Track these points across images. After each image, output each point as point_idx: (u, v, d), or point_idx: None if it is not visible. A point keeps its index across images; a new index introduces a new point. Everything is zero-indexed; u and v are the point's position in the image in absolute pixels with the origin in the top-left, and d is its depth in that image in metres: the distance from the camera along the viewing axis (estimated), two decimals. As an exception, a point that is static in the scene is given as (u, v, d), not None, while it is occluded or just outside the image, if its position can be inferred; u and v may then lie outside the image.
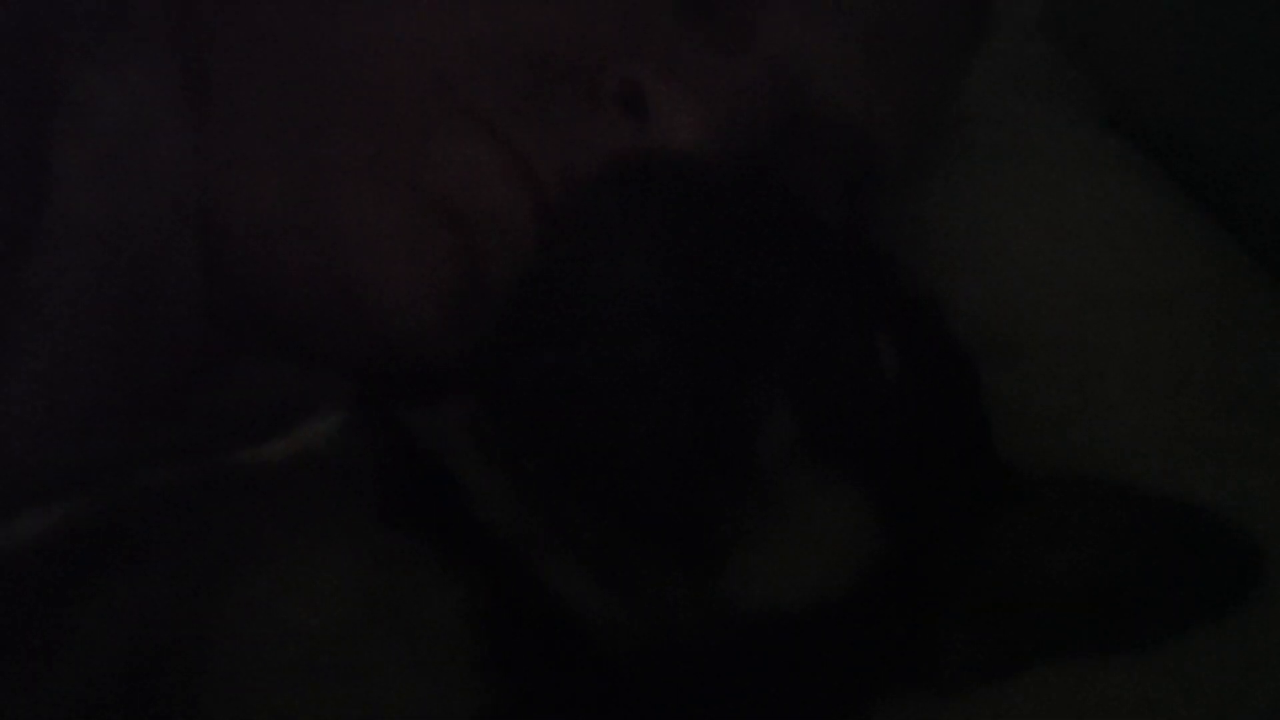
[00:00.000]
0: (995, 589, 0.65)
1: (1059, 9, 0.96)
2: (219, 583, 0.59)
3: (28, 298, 0.63)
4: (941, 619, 0.64)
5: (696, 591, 0.62)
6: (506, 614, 0.61)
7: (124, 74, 0.68)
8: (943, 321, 0.66)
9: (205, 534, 0.60)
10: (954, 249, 0.78)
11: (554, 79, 0.70)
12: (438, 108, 0.69)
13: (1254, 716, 0.66)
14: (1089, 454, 0.72)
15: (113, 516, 0.59)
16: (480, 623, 0.61)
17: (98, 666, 0.56)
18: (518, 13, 0.70)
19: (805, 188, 0.71)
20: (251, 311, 0.72)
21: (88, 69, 0.66)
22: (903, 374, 0.63)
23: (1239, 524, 0.63)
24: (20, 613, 0.56)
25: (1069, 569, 0.65)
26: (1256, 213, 0.81)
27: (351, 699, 0.58)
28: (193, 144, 0.70)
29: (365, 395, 0.65)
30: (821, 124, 0.73)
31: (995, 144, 0.83)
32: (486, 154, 0.69)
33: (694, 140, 0.68)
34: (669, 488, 0.61)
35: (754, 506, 0.62)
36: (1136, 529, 0.64)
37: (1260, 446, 0.74)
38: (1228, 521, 0.64)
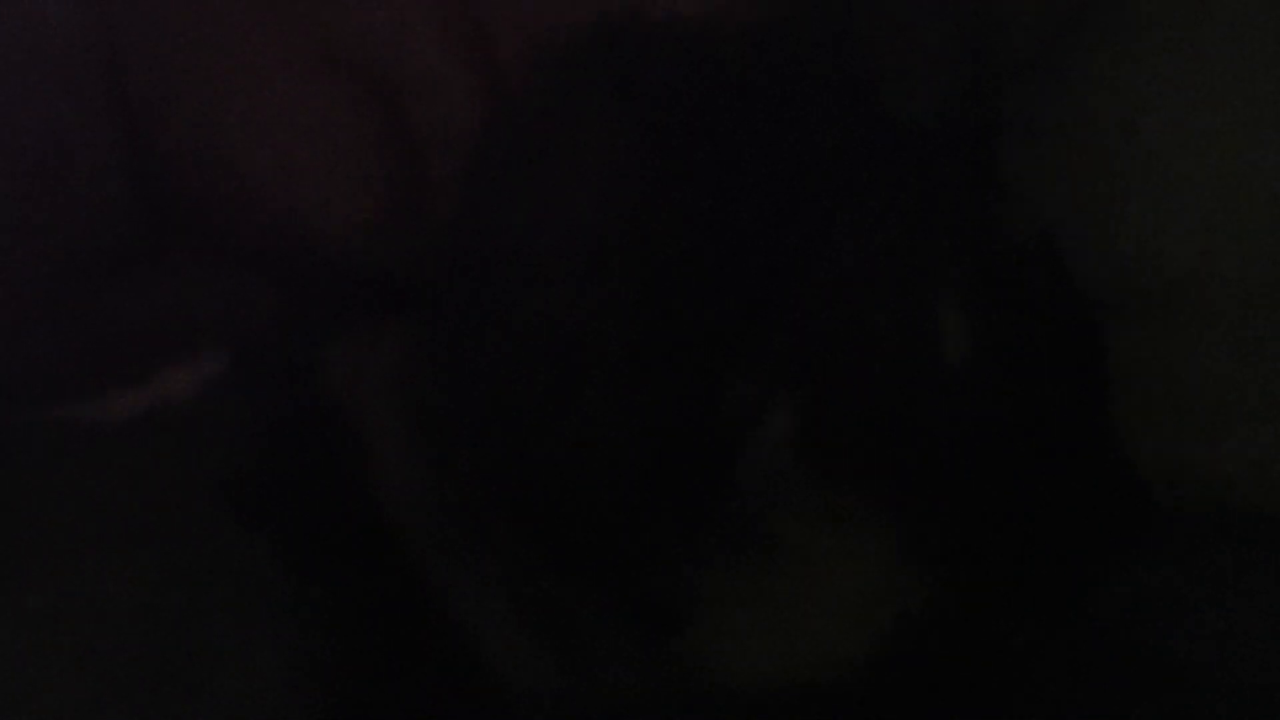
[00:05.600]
0: (1105, 684, 0.53)
1: None
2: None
3: None
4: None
5: (653, 655, 0.54)
6: (381, 652, 0.54)
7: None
8: (1059, 276, 0.55)
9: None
10: (1099, 163, 0.62)
11: None
12: None
13: None
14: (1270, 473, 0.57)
15: None
16: (332, 668, 0.54)
17: None
18: None
19: (883, 72, 0.62)
20: (172, 204, 0.68)
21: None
22: (977, 358, 0.53)
23: None
24: None
25: (1232, 656, 0.53)
26: None
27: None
28: (92, 25, 0.67)
29: (271, 319, 0.61)
30: None
31: (1164, 16, 0.65)
32: (416, 10, 0.64)
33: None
34: (615, 506, 0.54)
35: (735, 543, 0.53)
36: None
37: None
38: None
